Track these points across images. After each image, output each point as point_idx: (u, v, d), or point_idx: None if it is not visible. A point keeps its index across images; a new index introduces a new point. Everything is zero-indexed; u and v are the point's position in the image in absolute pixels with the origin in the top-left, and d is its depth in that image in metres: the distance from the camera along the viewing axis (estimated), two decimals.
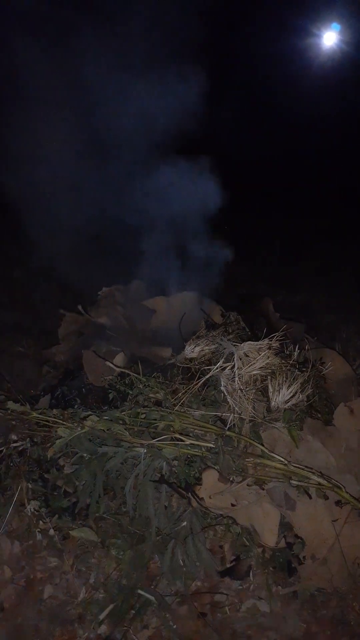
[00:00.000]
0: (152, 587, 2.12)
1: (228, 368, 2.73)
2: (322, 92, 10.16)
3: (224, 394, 2.65)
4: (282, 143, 9.95)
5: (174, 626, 2.01)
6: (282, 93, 10.19)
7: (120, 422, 2.53)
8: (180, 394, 2.72)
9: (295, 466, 2.34)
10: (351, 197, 9.45)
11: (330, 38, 9.74)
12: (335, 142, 10.24)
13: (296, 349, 3.04)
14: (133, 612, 2.03)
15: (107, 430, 2.45)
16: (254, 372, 2.70)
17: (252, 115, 10.27)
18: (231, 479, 2.32)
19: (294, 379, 2.69)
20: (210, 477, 2.30)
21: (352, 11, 9.25)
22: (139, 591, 2.08)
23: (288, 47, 9.70)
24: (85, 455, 2.42)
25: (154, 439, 2.40)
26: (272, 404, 2.65)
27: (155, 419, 2.53)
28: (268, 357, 2.74)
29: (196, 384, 2.75)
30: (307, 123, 10.41)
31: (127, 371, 2.94)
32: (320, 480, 2.29)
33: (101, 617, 2.01)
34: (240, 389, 2.63)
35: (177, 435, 2.42)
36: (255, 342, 2.82)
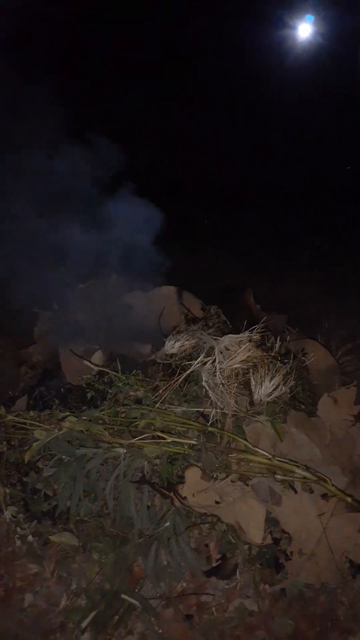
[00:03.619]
0: (136, 590, 2.06)
1: (209, 362, 2.68)
2: (306, 85, 10.16)
3: (205, 389, 2.60)
4: (270, 137, 9.95)
5: (160, 630, 1.95)
6: (263, 88, 10.16)
7: (100, 421, 2.46)
8: (161, 391, 2.65)
9: (279, 460, 2.29)
10: (339, 190, 9.47)
11: (305, 30, 9.74)
12: (325, 137, 10.26)
13: (277, 341, 2.99)
14: (117, 617, 1.96)
15: (86, 430, 2.38)
16: (236, 366, 2.65)
17: (235, 112, 10.25)
18: (215, 475, 2.27)
19: (276, 371, 2.64)
20: (193, 475, 2.24)
21: (326, 2, 9.26)
22: (123, 595, 2.02)
23: (263, 40, 9.67)
24: (64, 457, 2.35)
25: (134, 438, 2.33)
26: (255, 397, 2.60)
27: (136, 418, 2.46)
28: (249, 350, 2.69)
29: (177, 380, 2.68)
30: (291, 116, 10.40)
31: (105, 369, 2.87)
32: (306, 473, 2.25)
33: (84, 624, 1.94)
34: (222, 384, 2.58)
35: (159, 433, 2.35)
36: (236, 335, 2.77)
